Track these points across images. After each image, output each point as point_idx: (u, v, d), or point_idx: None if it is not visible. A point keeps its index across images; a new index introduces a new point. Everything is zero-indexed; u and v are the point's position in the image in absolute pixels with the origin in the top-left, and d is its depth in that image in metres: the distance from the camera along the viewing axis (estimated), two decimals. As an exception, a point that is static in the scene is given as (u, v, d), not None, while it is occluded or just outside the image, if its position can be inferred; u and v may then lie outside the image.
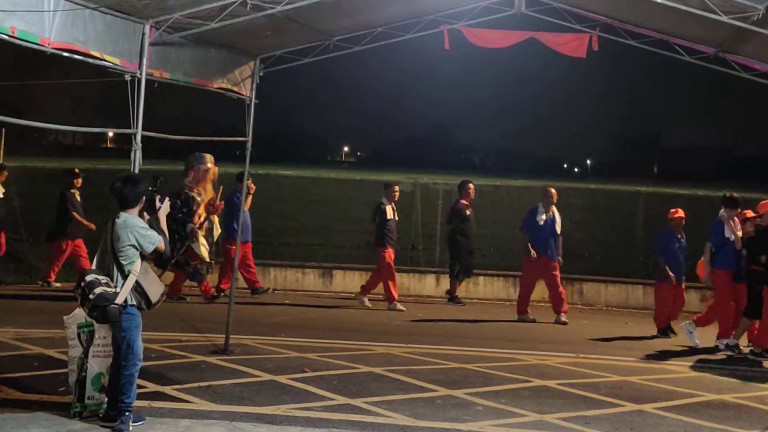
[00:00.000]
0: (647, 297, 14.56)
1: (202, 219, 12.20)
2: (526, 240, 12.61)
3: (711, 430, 6.87)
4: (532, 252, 12.45)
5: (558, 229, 12.58)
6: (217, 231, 12.57)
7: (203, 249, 12.11)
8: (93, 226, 13.18)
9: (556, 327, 12.10)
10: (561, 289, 12.62)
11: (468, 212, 13.84)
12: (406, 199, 14.57)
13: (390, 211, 13.17)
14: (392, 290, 13.02)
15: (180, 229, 11.94)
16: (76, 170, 13.87)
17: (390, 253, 13.10)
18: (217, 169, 12.70)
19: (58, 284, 13.23)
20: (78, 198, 13.37)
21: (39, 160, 18.38)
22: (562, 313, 12.46)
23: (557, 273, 12.62)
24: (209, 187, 12.48)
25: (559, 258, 12.65)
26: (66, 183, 13.42)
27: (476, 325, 12.06)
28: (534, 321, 12.42)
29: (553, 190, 12.91)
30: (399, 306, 12.88)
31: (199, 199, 12.28)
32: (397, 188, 13.45)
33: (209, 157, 12.57)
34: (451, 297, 13.90)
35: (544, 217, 12.52)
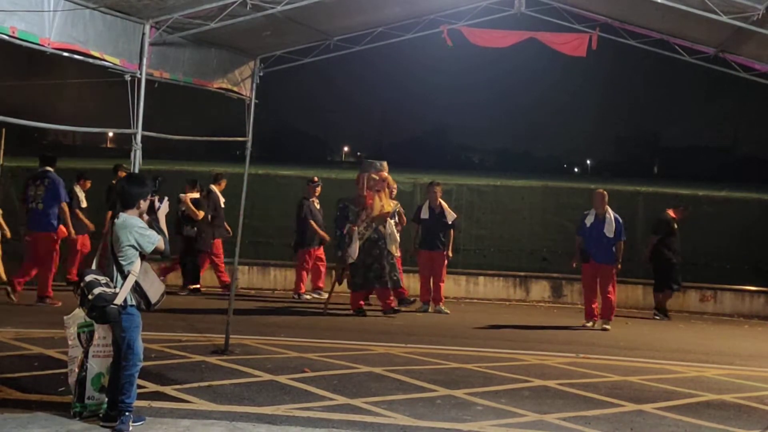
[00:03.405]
0: (647, 297, 14.59)
1: (359, 229, 11.98)
2: (577, 244, 12.29)
3: (711, 430, 6.86)
4: (576, 256, 12.18)
5: (607, 232, 11.86)
6: (396, 240, 12.28)
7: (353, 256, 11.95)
8: (92, 226, 13.28)
9: (556, 327, 12.08)
10: (609, 295, 12.02)
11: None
12: (407, 199, 14.56)
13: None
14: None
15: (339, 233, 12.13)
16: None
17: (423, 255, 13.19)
18: (392, 179, 12.46)
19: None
20: (82, 198, 13.46)
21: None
22: (601, 320, 12.08)
23: (606, 278, 11.98)
24: (384, 196, 12.12)
25: (618, 264, 12.01)
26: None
27: (476, 325, 12.05)
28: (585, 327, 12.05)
29: (599, 191, 12.32)
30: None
31: (355, 209, 12.10)
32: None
33: (383, 165, 12.32)
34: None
35: (591, 219, 12.04)
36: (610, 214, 11.99)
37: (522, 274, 15.21)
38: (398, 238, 12.43)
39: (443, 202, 13.10)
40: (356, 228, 11.99)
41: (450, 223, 13.03)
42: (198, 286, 13.80)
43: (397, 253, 12.37)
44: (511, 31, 10.22)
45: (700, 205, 15.23)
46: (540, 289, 15.09)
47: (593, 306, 12.12)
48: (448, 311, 12.86)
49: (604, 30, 9.94)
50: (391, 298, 12.30)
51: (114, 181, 13.60)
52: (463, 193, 15.72)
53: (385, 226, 12.19)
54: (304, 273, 13.89)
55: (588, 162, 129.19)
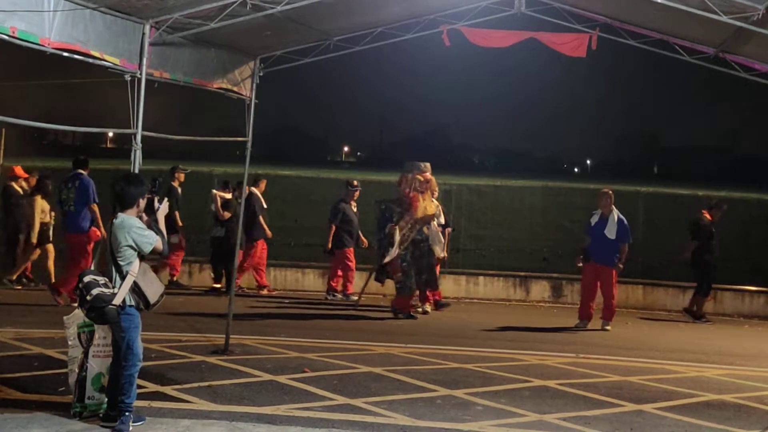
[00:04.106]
0: (647, 297, 14.61)
1: (403, 231, 11.88)
2: (584, 243, 12.21)
3: (711, 430, 6.87)
4: (580, 256, 12.12)
5: (609, 233, 11.81)
6: (443, 245, 12.21)
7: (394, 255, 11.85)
8: None
9: (556, 327, 12.08)
10: (610, 297, 11.99)
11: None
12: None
13: None
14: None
15: (380, 234, 12.09)
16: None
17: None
18: (434, 180, 12.35)
19: None
20: None
21: (39, 160, 18.40)
22: (602, 321, 12.06)
23: (607, 279, 11.94)
24: (427, 197, 12.01)
25: (618, 265, 11.95)
26: None
27: (476, 325, 12.05)
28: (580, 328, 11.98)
29: (605, 191, 12.23)
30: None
31: (398, 210, 12.00)
32: None
33: (426, 166, 12.19)
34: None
35: (596, 219, 11.97)
36: (615, 215, 11.89)
37: (522, 274, 15.21)
38: (443, 239, 12.33)
39: (437, 203, 13.03)
40: (398, 228, 11.84)
41: (444, 223, 13.00)
42: (220, 285, 13.85)
43: (441, 254, 12.25)
44: (511, 31, 10.22)
45: (700, 205, 15.20)
46: (540, 289, 15.09)
47: (589, 306, 12.09)
48: (429, 310, 12.74)
49: (604, 30, 9.94)
50: (413, 301, 12.21)
51: (173, 183, 13.92)
52: (463, 193, 15.73)
53: (429, 228, 12.07)
54: (350, 273, 13.80)
55: (588, 162, 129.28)
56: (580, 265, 12.29)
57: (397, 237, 11.84)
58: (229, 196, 13.73)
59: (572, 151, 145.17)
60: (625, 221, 11.96)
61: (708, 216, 13.61)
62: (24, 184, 13.71)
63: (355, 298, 13.49)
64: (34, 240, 13.04)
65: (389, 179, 15.80)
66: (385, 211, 12.22)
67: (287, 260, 14.98)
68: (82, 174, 11.80)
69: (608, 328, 11.92)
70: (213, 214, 13.83)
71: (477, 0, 9.69)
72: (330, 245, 13.72)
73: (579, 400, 7.62)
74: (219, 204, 13.63)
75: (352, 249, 13.79)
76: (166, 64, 8.00)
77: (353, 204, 13.96)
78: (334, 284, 13.94)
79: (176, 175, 14.16)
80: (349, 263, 13.80)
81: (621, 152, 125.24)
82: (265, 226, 13.88)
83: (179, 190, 14.07)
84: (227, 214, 13.55)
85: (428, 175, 12.19)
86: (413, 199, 11.99)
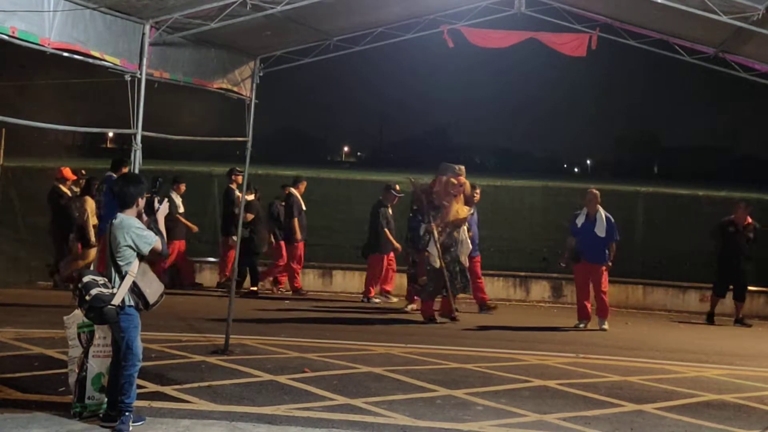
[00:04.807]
0: (647, 297, 14.60)
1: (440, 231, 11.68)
2: (567, 244, 12.20)
3: (711, 430, 6.87)
4: (565, 256, 12.10)
5: (599, 232, 11.70)
6: (468, 248, 11.99)
7: (436, 258, 11.61)
8: (195, 228, 13.93)
9: (556, 327, 12.08)
10: (602, 295, 11.91)
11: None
12: (407, 199, 14.55)
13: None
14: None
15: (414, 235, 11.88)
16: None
17: None
18: (469, 184, 12.15)
19: None
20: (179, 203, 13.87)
21: (39, 160, 18.42)
22: (599, 320, 11.97)
23: (599, 278, 11.84)
24: (459, 201, 11.80)
25: (608, 263, 11.87)
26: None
27: (476, 325, 12.04)
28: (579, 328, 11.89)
29: (592, 191, 12.18)
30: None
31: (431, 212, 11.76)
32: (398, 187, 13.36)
33: (461, 169, 11.93)
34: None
35: (582, 219, 11.91)
36: (602, 213, 11.88)
37: (522, 274, 15.20)
38: (470, 245, 12.08)
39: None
40: (435, 228, 11.61)
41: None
42: (256, 288, 13.85)
43: (466, 263, 12.00)
44: (511, 32, 10.22)
45: (700, 205, 15.24)
46: (540, 289, 15.08)
47: (587, 306, 12.09)
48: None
49: (604, 30, 9.95)
50: (436, 307, 12.00)
51: (230, 185, 14.04)
52: (463, 193, 15.69)
53: (459, 232, 11.84)
54: (377, 277, 13.70)
55: (588, 162, 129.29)
56: (564, 265, 12.35)
57: (437, 235, 11.59)
58: (252, 197, 13.75)
59: (572, 151, 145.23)
60: (612, 219, 11.96)
61: (734, 218, 13.33)
62: (69, 186, 13.66)
63: (377, 301, 13.44)
64: (93, 239, 12.88)
65: (389, 179, 15.79)
66: (416, 212, 12.01)
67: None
68: (112, 176, 11.82)
69: (605, 327, 11.90)
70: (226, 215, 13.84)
71: (477, 0, 9.69)
72: (384, 249, 13.47)
73: (579, 400, 7.62)
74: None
75: (391, 253, 13.61)
76: (166, 64, 8.01)
77: (390, 207, 13.66)
78: (387, 288, 13.75)
79: (299, 185, 14.15)
80: (380, 268, 13.62)
81: (621, 152, 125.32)
82: (298, 229, 13.80)
83: (300, 199, 14.08)
84: (250, 216, 13.59)
85: (462, 178, 11.93)
86: (447, 202, 11.72)
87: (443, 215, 11.73)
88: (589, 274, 11.98)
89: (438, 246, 11.61)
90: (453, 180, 11.84)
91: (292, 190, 14.05)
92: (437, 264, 11.60)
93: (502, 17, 9.96)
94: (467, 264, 12.05)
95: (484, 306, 12.88)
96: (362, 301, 13.60)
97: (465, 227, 11.97)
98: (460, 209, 11.84)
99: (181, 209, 13.86)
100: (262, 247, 13.88)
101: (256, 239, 13.72)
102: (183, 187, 14.02)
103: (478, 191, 13.06)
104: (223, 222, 14.15)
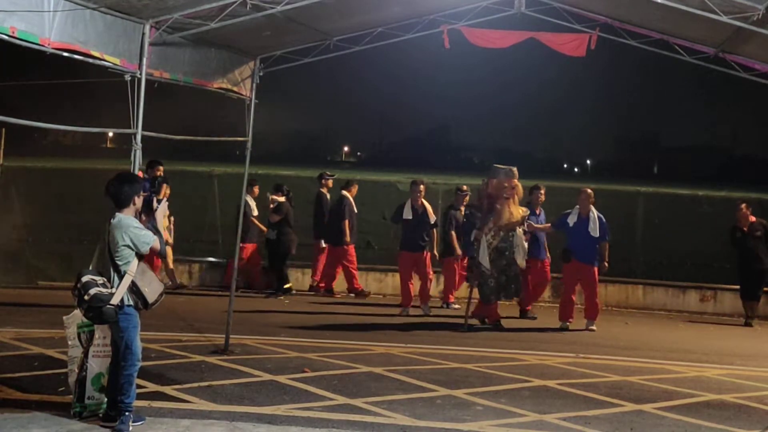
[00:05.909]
0: (647, 297, 14.59)
1: (486, 237, 11.48)
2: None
3: (711, 430, 6.87)
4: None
5: (592, 231, 11.70)
6: (524, 251, 11.78)
7: (487, 263, 11.46)
8: (266, 230, 13.95)
9: (556, 327, 12.07)
10: (593, 296, 11.97)
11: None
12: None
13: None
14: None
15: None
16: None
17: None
18: (520, 186, 11.95)
19: None
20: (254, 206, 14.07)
21: (39, 160, 18.41)
22: (587, 320, 12.01)
23: (590, 278, 11.90)
24: (513, 203, 11.61)
25: (604, 263, 11.88)
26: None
27: (476, 325, 12.04)
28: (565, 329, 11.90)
29: (585, 191, 12.16)
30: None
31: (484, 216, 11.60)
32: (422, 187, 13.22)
33: (513, 171, 11.78)
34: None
35: (574, 219, 11.89)
36: (594, 213, 11.85)
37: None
38: (527, 247, 11.95)
39: (425, 202, 12.93)
40: (484, 234, 11.48)
41: (433, 222, 12.93)
42: (290, 285, 13.93)
43: (524, 265, 11.83)
44: (510, 32, 10.22)
45: (700, 205, 15.23)
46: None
47: (571, 306, 12.07)
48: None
49: (604, 30, 9.95)
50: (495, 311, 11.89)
51: (321, 189, 14.20)
52: (463, 193, 15.66)
53: (513, 235, 11.68)
54: (453, 282, 13.58)
55: (588, 162, 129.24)
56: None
57: (484, 242, 11.47)
58: (282, 199, 13.74)
59: (572, 151, 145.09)
60: (604, 219, 11.92)
61: (738, 222, 13.34)
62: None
63: (457, 306, 13.27)
64: (170, 241, 12.94)
65: (389, 179, 15.80)
66: (470, 216, 11.99)
67: (287, 260, 14.93)
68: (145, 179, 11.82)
69: (593, 327, 11.87)
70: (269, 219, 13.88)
71: (477, 0, 9.70)
72: (453, 253, 13.27)
73: (579, 400, 7.62)
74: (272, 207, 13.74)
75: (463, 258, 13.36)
76: (166, 64, 8.01)
77: (462, 210, 13.37)
78: (451, 298, 13.59)
79: (350, 188, 14.24)
80: (455, 272, 13.50)
81: (621, 152, 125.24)
82: (348, 232, 13.79)
83: (328, 195, 14.29)
84: (277, 217, 13.59)
85: (515, 180, 11.75)
86: (499, 205, 11.54)
87: (495, 218, 11.55)
88: (579, 274, 11.99)
89: (489, 251, 11.53)
90: (505, 183, 11.67)
91: (345, 192, 14.10)
92: (488, 268, 11.51)
93: (502, 17, 9.96)
94: (524, 266, 11.84)
95: (524, 313, 12.85)
96: (442, 307, 13.37)
97: (520, 230, 11.74)
98: (514, 211, 11.66)
99: (255, 212, 13.97)
100: (291, 249, 13.82)
101: (284, 240, 13.70)
102: (257, 190, 14.13)
103: (542, 191, 13.05)
104: (314, 226, 14.20)
